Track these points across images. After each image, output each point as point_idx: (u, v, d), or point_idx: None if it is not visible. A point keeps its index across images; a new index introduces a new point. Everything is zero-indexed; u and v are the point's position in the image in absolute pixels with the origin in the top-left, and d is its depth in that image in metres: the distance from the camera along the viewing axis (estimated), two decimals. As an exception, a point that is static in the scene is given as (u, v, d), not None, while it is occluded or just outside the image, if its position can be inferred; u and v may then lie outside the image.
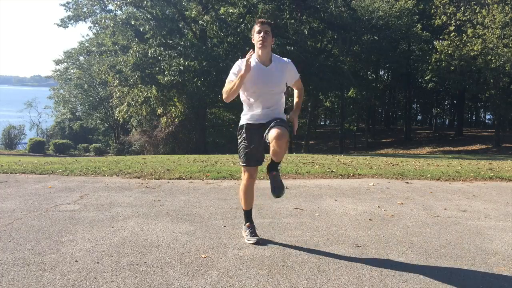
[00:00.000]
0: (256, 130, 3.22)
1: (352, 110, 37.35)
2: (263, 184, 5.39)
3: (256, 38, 3.14)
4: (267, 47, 3.14)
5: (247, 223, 3.43)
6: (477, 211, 4.55)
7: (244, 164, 3.31)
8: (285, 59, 3.28)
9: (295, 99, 3.44)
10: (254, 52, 3.13)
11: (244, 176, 3.34)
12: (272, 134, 2.99)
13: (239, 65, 3.16)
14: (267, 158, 3.23)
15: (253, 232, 3.37)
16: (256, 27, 3.16)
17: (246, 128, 3.26)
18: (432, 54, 26.44)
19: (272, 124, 3.07)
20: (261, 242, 3.30)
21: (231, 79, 3.16)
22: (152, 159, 9.93)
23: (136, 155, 20.09)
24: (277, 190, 3.19)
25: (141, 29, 21.32)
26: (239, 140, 3.32)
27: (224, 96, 3.21)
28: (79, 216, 4.01)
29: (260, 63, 3.17)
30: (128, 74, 21.49)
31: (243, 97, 3.28)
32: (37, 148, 33.41)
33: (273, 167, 3.21)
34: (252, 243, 3.28)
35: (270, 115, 3.19)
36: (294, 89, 3.45)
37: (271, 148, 3.03)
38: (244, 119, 3.30)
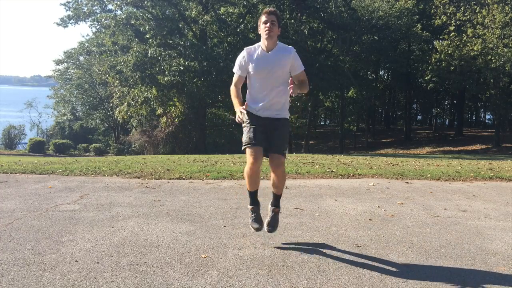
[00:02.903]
0: (259, 118, 3.19)
1: (352, 110, 37.37)
2: (263, 184, 5.39)
3: (262, 28, 3.14)
4: (273, 37, 3.13)
5: (251, 206, 3.34)
6: (477, 211, 4.55)
7: (248, 143, 3.11)
8: (290, 47, 3.24)
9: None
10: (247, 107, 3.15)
11: (249, 161, 3.12)
12: (270, 163, 3.16)
13: (243, 56, 3.21)
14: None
15: (256, 217, 3.32)
16: (263, 17, 3.15)
17: (250, 113, 3.22)
18: (432, 54, 26.46)
19: (272, 148, 3.15)
20: (261, 229, 3.30)
21: (237, 73, 3.26)
22: (152, 159, 9.93)
23: (136, 155, 20.09)
24: (273, 227, 3.31)
25: (141, 29, 21.33)
26: (244, 123, 3.21)
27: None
28: (79, 216, 4.01)
29: (264, 51, 3.19)
30: (128, 74, 21.50)
31: (248, 85, 3.28)
32: (37, 148, 33.44)
33: (276, 203, 3.34)
34: (253, 229, 3.31)
35: (272, 110, 3.19)
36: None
37: (271, 180, 3.25)
38: (248, 106, 3.25)
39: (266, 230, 3.31)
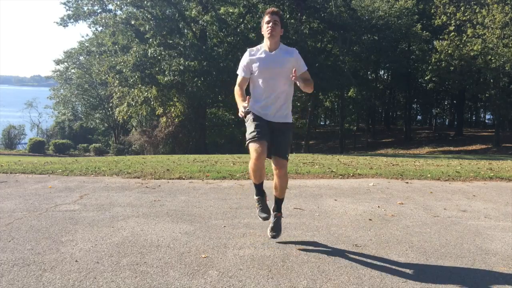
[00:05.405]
0: (263, 119, 3.20)
1: (352, 110, 37.36)
2: (265, 184, 5.38)
3: (265, 28, 3.17)
4: (276, 36, 3.17)
5: (257, 197, 3.35)
6: (477, 211, 4.55)
7: (252, 138, 3.07)
8: (293, 48, 3.29)
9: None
10: (251, 101, 3.13)
11: (253, 156, 3.06)
12: (274, 164, 3.20)
13: (246, 58, 3.24)
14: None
15: (263, 207, 3.31)
16: (266, 17, 3.18)
17: (254, 114, 3.22)
18: (432, 54, 26.46)
19: (276, 151, 3.19)
20: (269, 218, 3.31)
21: (240, 74, 3.27)
22: (152, 159, 9.93)
23: (136, 155, 20.08)
24: (277, 232, 3.31)
25: (141, 29, 21.33)
26: (247, 119, 3.19)
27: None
28: (79, 216, 4.01)
29: (267, 51, 3.22)
30: (128, 74, 21.49)
31: (251, 88, 3.29)
32: (37, 148, 33.42)
33: (277, 208, 3.36)
34: (261, 219, 3.32)
35: (277, 117, 3.21)
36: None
37: (273, 182, 3.27)
38: (251, 107, 3.22)
39: (269, 236, 3.31)
